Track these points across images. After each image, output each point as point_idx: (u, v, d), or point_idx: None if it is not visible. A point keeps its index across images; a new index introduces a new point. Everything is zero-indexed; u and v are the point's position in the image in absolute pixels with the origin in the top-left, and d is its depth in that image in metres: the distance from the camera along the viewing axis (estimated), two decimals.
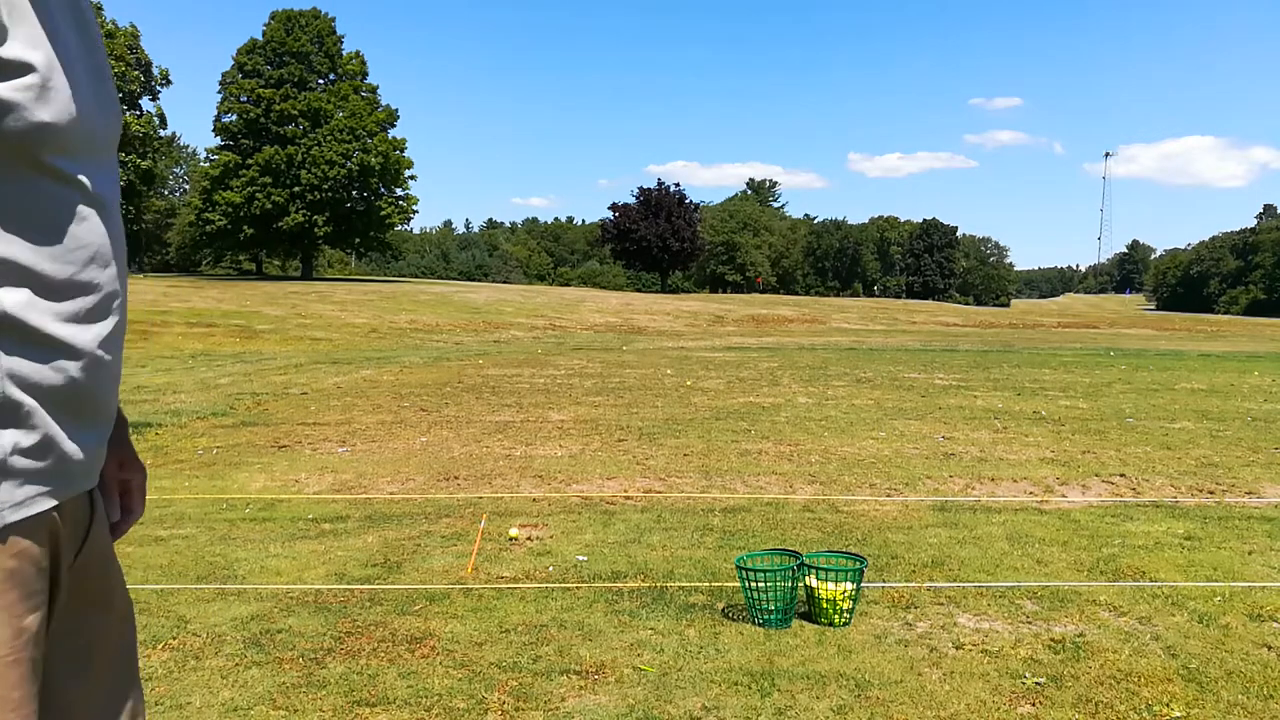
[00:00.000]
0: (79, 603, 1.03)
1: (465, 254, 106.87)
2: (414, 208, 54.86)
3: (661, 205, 70.11)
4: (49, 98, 0.87)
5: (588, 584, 4.04)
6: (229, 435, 7.99)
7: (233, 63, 50.90)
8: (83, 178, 0.93)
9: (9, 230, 0.87)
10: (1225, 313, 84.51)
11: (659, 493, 5.89)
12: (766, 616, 3.53)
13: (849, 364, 16.83)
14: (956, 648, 3.35)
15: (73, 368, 0.93)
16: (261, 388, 11.71)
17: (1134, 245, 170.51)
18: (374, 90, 52.99)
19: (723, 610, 3.71)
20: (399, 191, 53.63)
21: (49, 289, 0.90)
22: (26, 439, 0.89)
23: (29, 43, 0.85)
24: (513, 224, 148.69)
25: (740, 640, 3.41)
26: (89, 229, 0.95)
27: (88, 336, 0.95)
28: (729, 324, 36.48)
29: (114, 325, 1.00)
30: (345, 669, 3.13)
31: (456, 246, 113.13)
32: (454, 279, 78.48)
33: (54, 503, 0.93)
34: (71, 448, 0.95)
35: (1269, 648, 3.36)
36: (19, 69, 0.84)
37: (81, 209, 0.94)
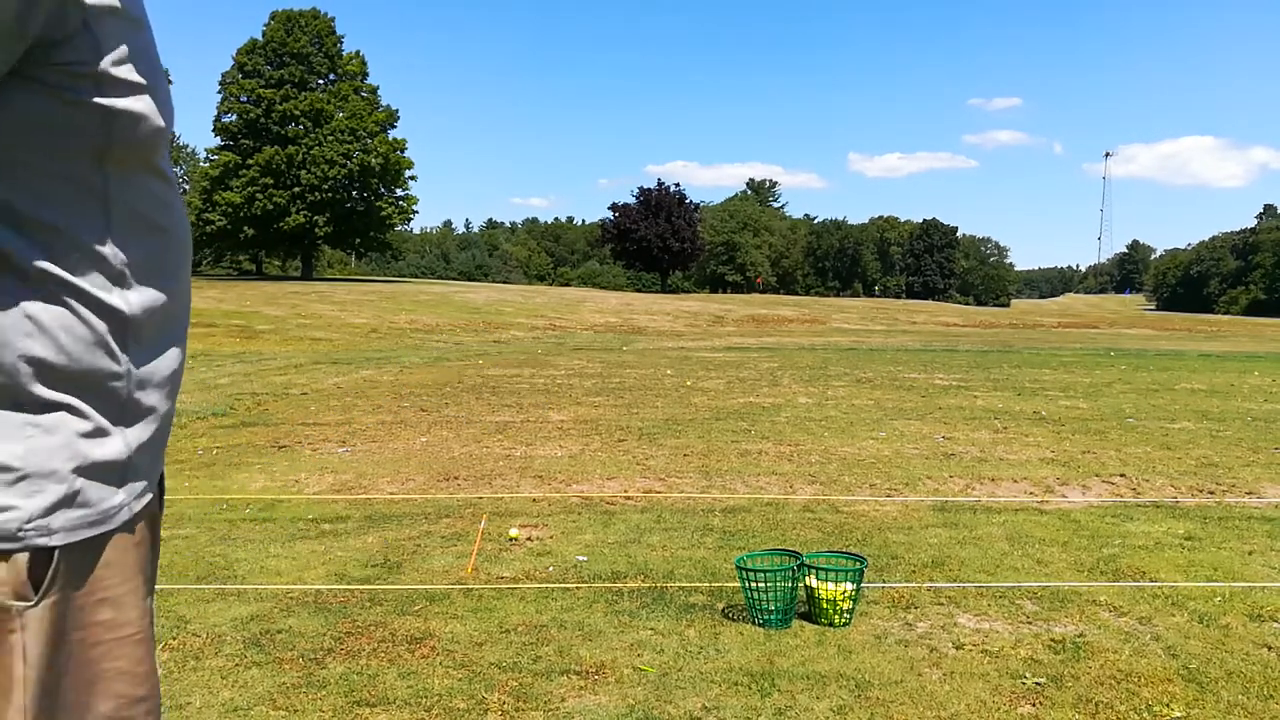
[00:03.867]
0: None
1: (465, 254, 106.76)
2: (414, 208, 54.86)
3: (661, 205, 70.11)
4: (159, 101, 0.92)
5: (588, 584, 4.04)
6: (229, 435, 7.99)
7: (233, 63, 50.88)
8: (172, 176, 0.99)
9: (133, 233, 0.91)
10: (1225, 313, 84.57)
11: (659, 493, 5.89)
12: (767, 617, 3.53)
13: (849, 364, 16.83)
14: (957, 648, 3.34)
15: (172, 357, 0.99)
16: (261, 388, 11.71)
17: (1134, 245, 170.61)
18: (374, 90, 52.96)
19: (723, 610, 3.71)
20: (399, 192, 53.60)
21: (161, 287, 0.95)
22: (143, 434, 0.95)
23: (141, 52, 0.89)
24: (513, 224, 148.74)
25: (740, 640, 3.41)
26: (182, 224, 1.01)
27: (181, 329, 1.01)
28: (729, 324, 36.49)
29: (189, 310, 1.06)
30: (345, 669, 3.13)
31: (456, 247, 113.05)
32: (454, 279, 78.41)
33: (155, 489, 1.01)
34: (165, 435, 1.02)
35: (1269, 648, 3.35)
36: (132, 82, 0.88)
37: (178, 205, 1.00)
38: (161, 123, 0.92)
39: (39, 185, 0.85)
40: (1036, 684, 3.04)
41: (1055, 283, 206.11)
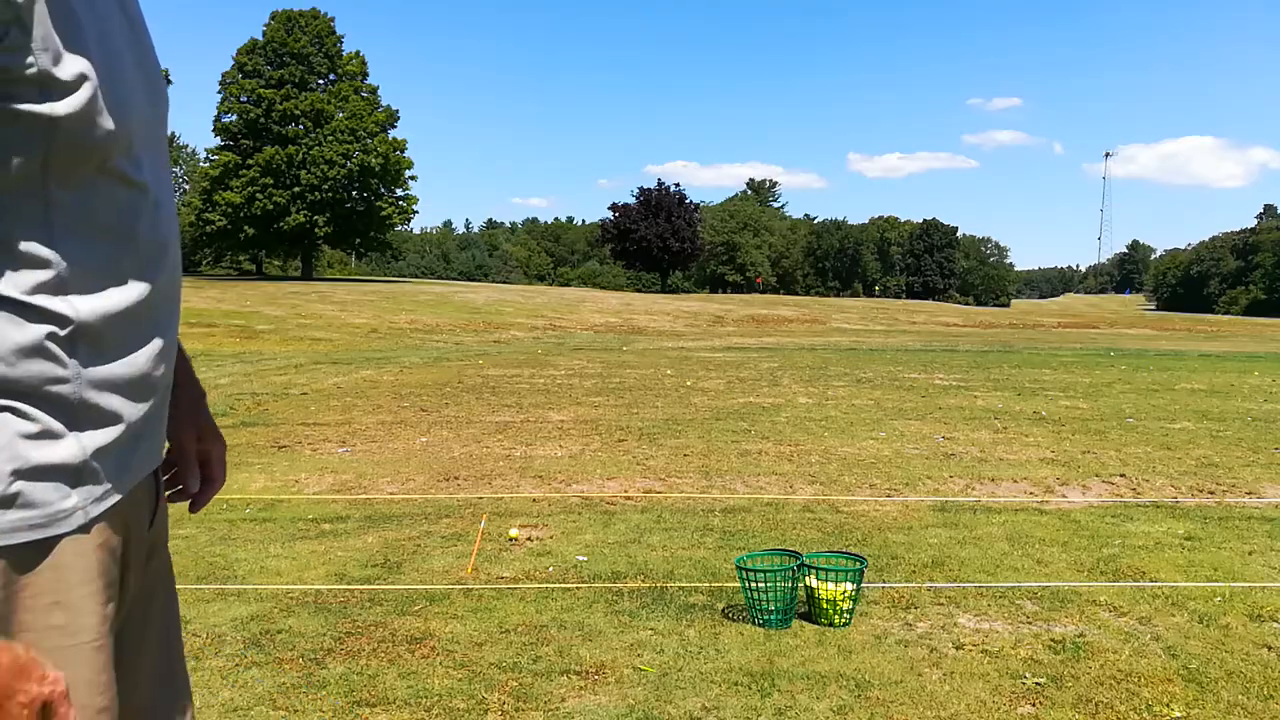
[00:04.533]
0: (147, 581, 1.11)
1: (465, 254, 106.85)
2: (414, 208, 54.90)
3: (661, 205, 70.13)
4: (108, 104, 0.89)
5: (588, 584, 4.04)
6: (229, 435, 7.99)
7: (233, 63, 50.89)
8: (144, 179, 0.97)
9: (80, 238, 0.90)
10: (1225, 313, 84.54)
11: (659, 493, 5.89)
12: (767, 617, 3.53)
13: (849, 364, 16.82)
14: (957, 648, 3.34)
15: (141, 361, 0.98)
16: (261, 388, 11.71)
17: (1134, 245, 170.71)
18: (374, 91, 52.97)
19: (723, 610, 3.71)
20: (399, 192, 53.63)
21: (120, 291, 0.95)
22: (104, 438, 0.94)
23: (83, 54, 0.87)
24: (513, 224, 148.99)
25: (740, 640, 3.41)
26: (154, 228, 0.99)
27: (157, 329, 1.00)
28: (729, 324, 36.48)
29: (177, 308, 1.07)
30: (345, 669, 3.13)
31: (456, 247, 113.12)
32: (454, 279, 78.53)
33: (125, 492, 1.00)
34: (143, 437, 1.01)
35: (1269, 648, 3.36)
36: (77, 83, 0.86)
37: (146, 211, 0.98)
38: (112, 125, 0.90)
39: None
40: (1036, 684, 3.04)
41: (1055, 283, 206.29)
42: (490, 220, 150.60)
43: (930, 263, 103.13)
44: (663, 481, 6.22)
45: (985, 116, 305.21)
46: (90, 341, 0.92)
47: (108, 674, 0.95)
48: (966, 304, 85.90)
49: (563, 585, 4.02)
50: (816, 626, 3.54)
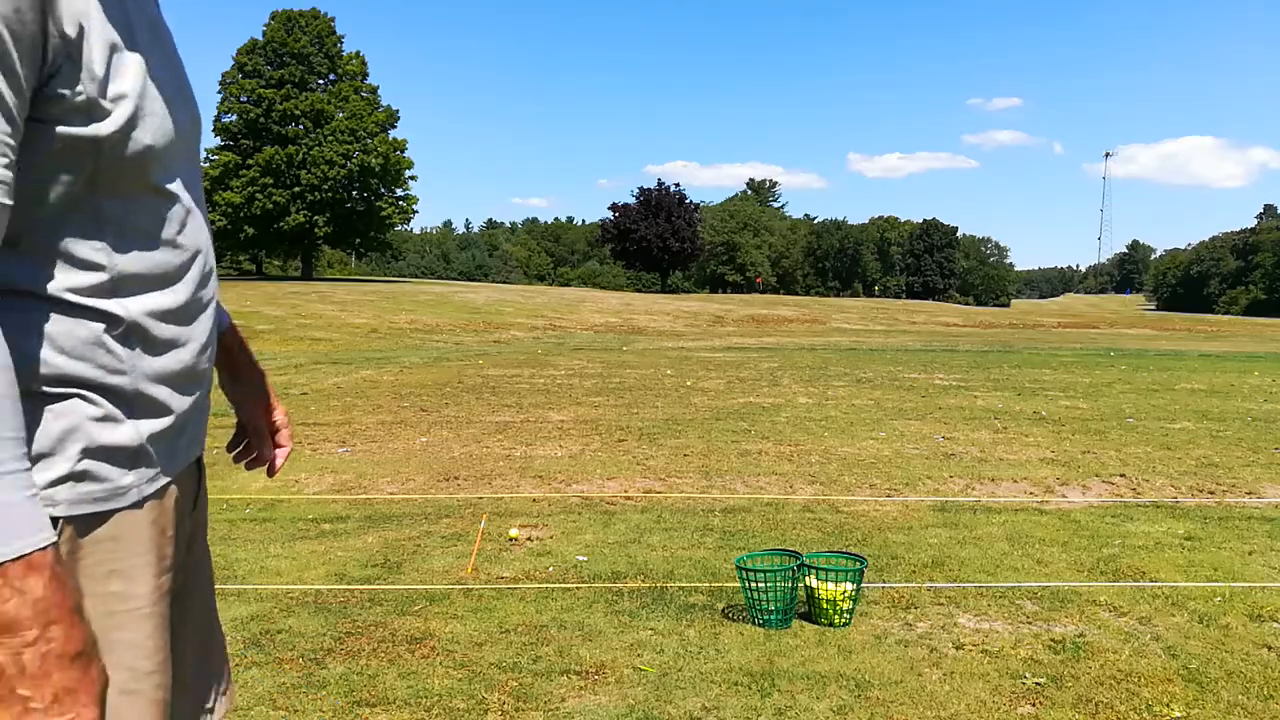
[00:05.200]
0: (191, 563, 1.20)
1: (465, 254, 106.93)
2: (414, 208, 54.93)
3: (661, 205, 70.14)
4: (146, 121, 0.97)
5: (588, 584, 4.04)
6: (229, 435, 7.98)
7: (233, 63, 50.92)
8: (177, 189, 1.06)
9: (127, 245, 0.99)
10: (1225, 313, 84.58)
11: (659, 493, 5.89)
12: (767, 617, 3.53)
13: (849, 364, 16.82)
14: (957, 648, 3.34)
15: (186, 356, 1.08)
16: None
17: (1134, 245, 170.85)
18: (374, 91, 52.98)
19: (723, 610, 3.71)
20: (399, 192, 53.64)
21: (163, 293, 1.04)
22: (158, 425, 1.04)
23: (123, 77, 0.95)
24: (513, 224, 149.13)
25: (740, 640, 3.41)
26: (188, 235, 1.08)
27: (197, 327, 1.10)
28: (729, 324, 36.48)
29: (213, 309, 1.17)
30: (345, 669, 3.13)
31: (456, 247, 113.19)
32: (454, 279, 78.59)
33: (173, 476, 1.09)
34: (188, 427, 1.11)
35: (1269, 648, 3.35)
36: (117, 105, 0.95)
37: (180, 218, 1.07)
38: (149, 140, 0.97)
39: (36, 211, 0.93)
40: (1036, 684, 3.04)
41: (1055, 283, 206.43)
42: (490, 220, 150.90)
43: (930, 263, 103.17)
44: (663, 481, 6.22)
45: (985, 116, 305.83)
46: (141, 338, 1.01)
47: (156, 640, 1.03)
48: (966, 304, 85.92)
49: (563, 585, 4.02)
50: (816, 626, 3.54)
